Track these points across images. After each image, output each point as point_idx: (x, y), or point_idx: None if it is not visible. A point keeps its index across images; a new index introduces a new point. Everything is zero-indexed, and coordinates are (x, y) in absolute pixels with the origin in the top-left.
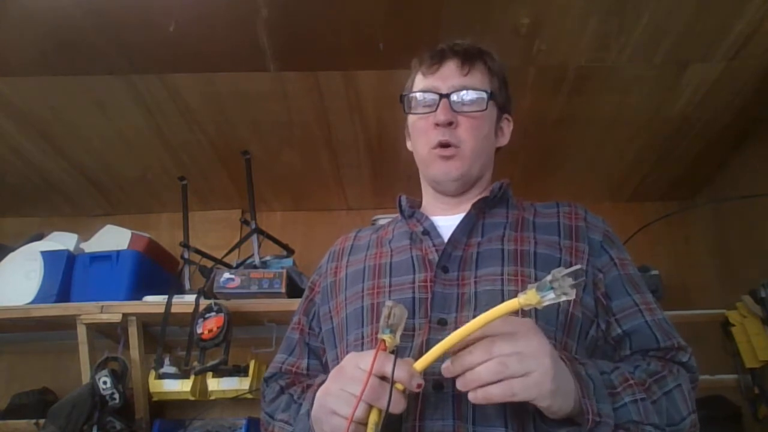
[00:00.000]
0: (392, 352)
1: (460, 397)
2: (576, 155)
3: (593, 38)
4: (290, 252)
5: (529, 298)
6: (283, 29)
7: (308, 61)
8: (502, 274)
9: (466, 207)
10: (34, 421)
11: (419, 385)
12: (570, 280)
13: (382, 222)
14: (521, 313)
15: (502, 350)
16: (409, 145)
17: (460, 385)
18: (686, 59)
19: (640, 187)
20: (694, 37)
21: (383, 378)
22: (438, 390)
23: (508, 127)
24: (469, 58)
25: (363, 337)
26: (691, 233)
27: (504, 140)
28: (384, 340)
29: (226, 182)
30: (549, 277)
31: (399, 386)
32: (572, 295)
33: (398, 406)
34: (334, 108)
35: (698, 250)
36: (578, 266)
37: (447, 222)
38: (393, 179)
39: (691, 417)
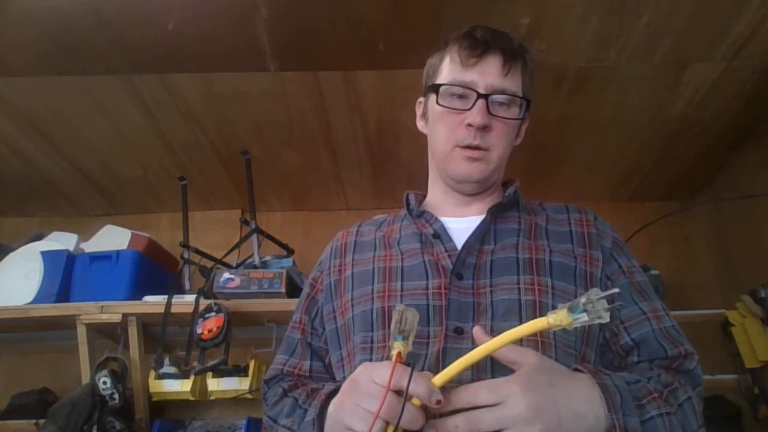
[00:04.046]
0: (408, 364)
1: None
2: (576, 155)
3: (593, 38)
4: (290, 252)
5: (559, 318)
6: (283, 29)
7: (308, 61)
8: (518, 283)
9: (477, 208)
10: (34, 421)
11: (438, 402)
12: (604, 303)
13: (381, 217)
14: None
15: (485, 426)
16: (420, 126)
17: None
18: (686, 59)
19: (640, 187)
20: (694, 37)
21: (400, 392)
22: None
23: (524, 127)
24: (511, 56)
25: (372, 342)
26: (691, 233)
27: (520, 140)
28: (400, 353)
29: (226, 182)
30: (583, 299)
31: (417, 402)
32: (606, 318)
33: (416, 422)
34: (334, 108)
35: (698, 250)
36: (615, 290)
37: (457, 225)
38: (393, 179)
39: (701, 430)
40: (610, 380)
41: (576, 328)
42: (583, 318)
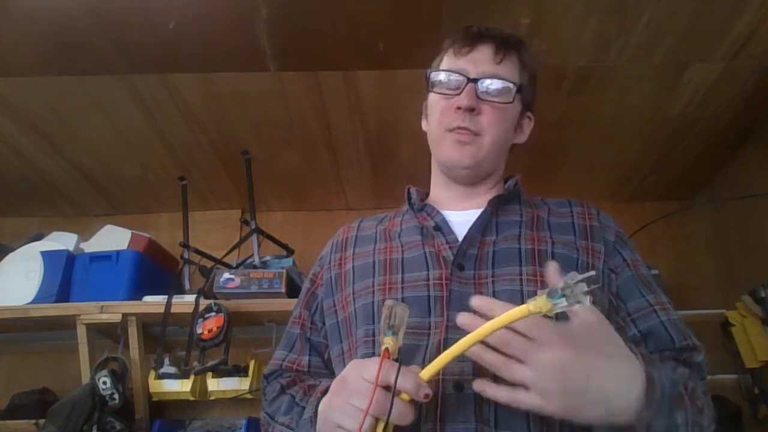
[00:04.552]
0: (396, 360)
1: (482, 399)
2: (576, 155)
3: (593, 38)
4: (290, 252)
5: (539, 304)
6: (283, 29)
7: (308, 61)
8: (520, 274)
9: (478, 202)
10: (34, 421)
11: (427, 396)
12: (583, 287)
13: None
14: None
15: (513, 349)
16: (423, 125)
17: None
18: (686, 59)
19: (640, 187)
20: (694, 37)
21: (389, 388)
22: (459, 391)
23: (528, 126)
24: (504, 45)
25: (374, 335)
26: (691, 233)
27: (522, 138)
28: (388, 348)
29: (226, 182)
30: (560, 284)
31: (405, 397)
32: (586, 302)
33: (405, 417)
34: (334, 108)
35: (698, 250)
36: (591, 272)
37: (458, 218)
38: (393, 179)
39: (712, 426)
40: (658, 374)
41: (557, 314)
42: (563, 303)
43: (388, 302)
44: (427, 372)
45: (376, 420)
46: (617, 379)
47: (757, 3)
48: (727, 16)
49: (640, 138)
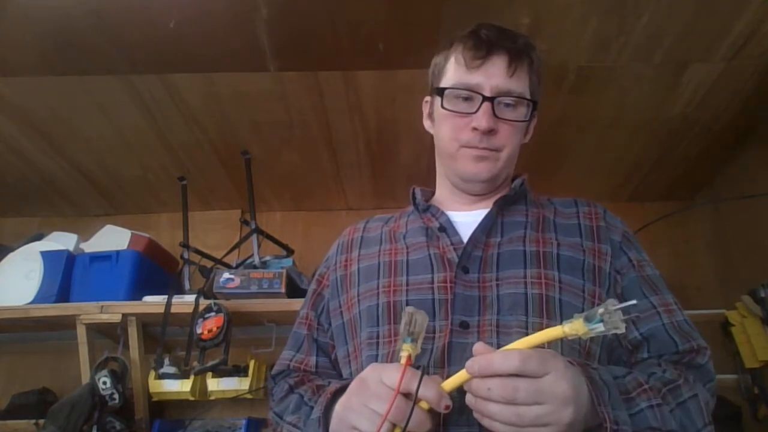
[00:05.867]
0: (417, 367)
1: None
2: (576, 155)
3: (593, 38)
4: (290, 252)
5: (575, 327)
6: (283, 29)
7: (308, 61)
8: (524, 277)
9: (484, 203)
10: (34, 421)
11: (447, 407)
12: (620, 314)
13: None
14: (545, 313)
15: (523, 398)
16: (427, 125)
17: (469, 401)
18: (686, 59)
19: (640, 187)
20: (694, 37)
21: (408, 395)
22: (462, 394)
23: (533, 124)
24: (517, 56)
25: (378, 337)
26: (691, 233)
27: (528, 137)
28: (410, 356)
29: (226, 182)
30: (600, 309)
31: (425, 405)
32: (623, 329)
33: (423, 426)
34: (334, 108)
35: (698, 250)
36: (633, 302)
37: (464, 218)
38: (393, 179)
39: (707, 428)
40: (598, 374)
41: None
42: (600, 328)
43: (409, 309)
44: (449, 384)
45: (393, 426)
46: (583, 404)
47: (757, 3)
48: (727, 16)
49: (640, 138)
